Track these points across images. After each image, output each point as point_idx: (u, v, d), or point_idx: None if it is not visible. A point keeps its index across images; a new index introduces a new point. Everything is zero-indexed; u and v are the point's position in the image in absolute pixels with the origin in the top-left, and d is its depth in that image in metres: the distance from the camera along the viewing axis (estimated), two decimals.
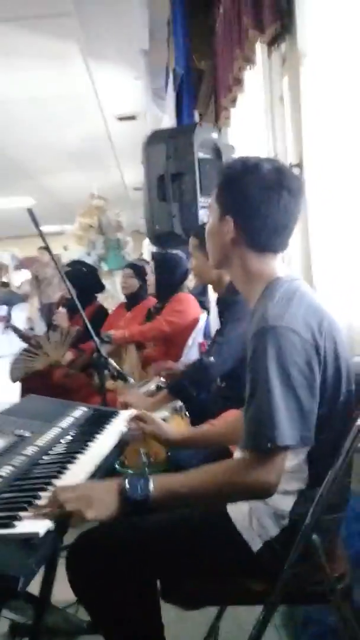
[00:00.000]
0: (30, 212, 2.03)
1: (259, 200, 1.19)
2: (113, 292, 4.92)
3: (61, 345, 3.14)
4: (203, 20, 3.79)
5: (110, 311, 3.64)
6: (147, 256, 5.99)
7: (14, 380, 3.21)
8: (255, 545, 1.19)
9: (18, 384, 3.34)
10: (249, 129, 3.03)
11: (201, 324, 2.81)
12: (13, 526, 1.00)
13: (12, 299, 11.32)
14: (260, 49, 2.48)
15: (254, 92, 2.83)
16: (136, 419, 1.58)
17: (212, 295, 2.78)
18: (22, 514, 1.04)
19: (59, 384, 3.06)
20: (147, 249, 6.24)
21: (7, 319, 10.82)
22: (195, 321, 2.81)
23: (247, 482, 1.08)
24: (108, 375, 2.23)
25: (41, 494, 1.13)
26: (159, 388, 2.28)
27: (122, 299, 3.64)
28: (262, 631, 1.16)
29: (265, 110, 2.44)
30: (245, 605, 1.29)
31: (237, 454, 1.39)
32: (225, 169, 1.31)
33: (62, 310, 3.54)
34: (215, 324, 2.75)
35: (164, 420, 1.97)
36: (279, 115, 2.37)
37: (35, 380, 3.12)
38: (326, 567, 1.15)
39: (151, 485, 1.10)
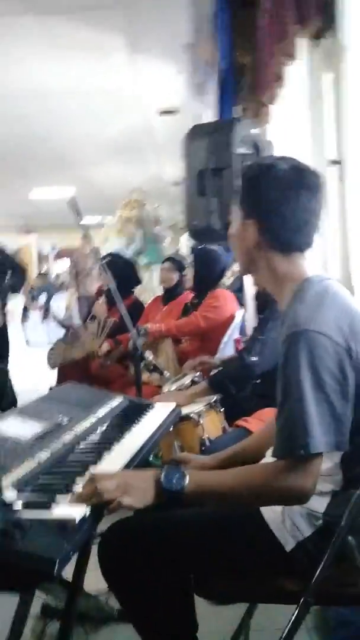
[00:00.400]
0: (72, 201, 2.05)
1: (278, 200, 1.20)
2: (150, 286, 4.95)
3: (98, 336, 3.18)
4: (247, 15, 3.75)
5: (146, 305, 3.67)
6: (184, 251, 6.01)
7: (52, 367, 3.28)
8: (289, 544, 1.19)
9: (55, 371, 3.41)
10: (289, 125, 3.01)
11: (237, 321, 2.80)
12: (49, 509, 1.03)
13: (51, 288, 11.51)
14: (303, 44, 2.45)
15: (295, 89, 2.81)
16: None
17: (249, 292, 2.76)
18: (58, 497, 1.07)
19: (95, 374, 3.11)
20: (185, 244, 6.24)
21: (45, 308, 11.03)
22: (232, 317, 2.81)
23: (282, 487, 1.08)
24: (144, 368, 2.25)
25: (78, 479, 1.16)
26: (193, 382, 2.30)
27: (158, 293, 3.66)
28: (294, 631, 1.17)
29: (307, 106, 2.42)
30: (277, 604, 1.29)
31: (268, 459, 1.39)
32: (244, 173, 1.30)
33: (101, 300, 3.58)
34: (251, 320, 2.73)
35: (198, 415, 2.00)
36: (320, 112, 2.35)
37: (72, 369, 3.18)
38: None
39: (187, 479, 1.12)
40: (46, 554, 0.92)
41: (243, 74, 4.08)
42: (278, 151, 2.46)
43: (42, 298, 11.35)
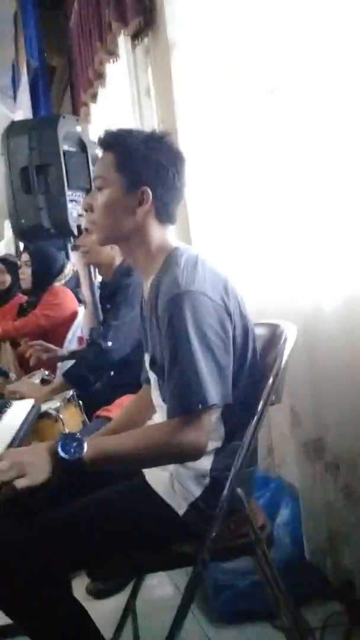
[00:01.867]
0: None
1: (174, 170, 1.21)
2: None
3: None
4: (54, 16, 3.75)
5: None
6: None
7: None
8: (181, 508, 1.19)
9: None
10: (111, 124, 3.06)
11: (80, 318, 2.75)
12: None
13: None
14: (123, 43, 2.52)
15: (115, 87, 2.88)
16: None
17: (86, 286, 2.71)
18: None
19: None
20: (4, 251, 5.94)
21: None
22: (74, 314, 2.74)
23: (180, 444, 1.08)
24: None
25: None
26: (43, 381, 2.20)
27: None
28: (194, 591, 1.18)
29: (132, 102, 2.49)
30: (178, 569, 1.29)
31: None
32: (121, 138, 1.24)
33: None
34: (93, 311, 2.68)
35: (57, 411, 1.91)
36: (146, 107, 2.44)
37: None
38: (251, 518, 1.20)
39: (85, 446, 1.07)
40: None
41: (53, 76, 4.05)
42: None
43: None
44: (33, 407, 1.65)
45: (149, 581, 1.66)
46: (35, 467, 1.04)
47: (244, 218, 1.91)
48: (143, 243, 1.25)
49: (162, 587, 1.86)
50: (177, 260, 1.18)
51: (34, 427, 1.79)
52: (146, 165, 1.20)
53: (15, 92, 4.72)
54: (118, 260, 2.09)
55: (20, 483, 1.01)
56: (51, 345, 2.36)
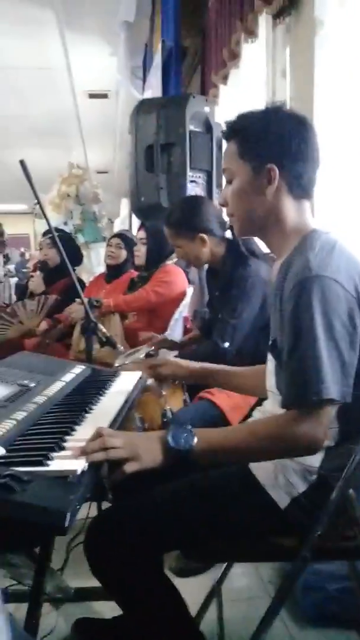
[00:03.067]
0: (22, 163, 1.89)
1: (298, 139, 1.15)
2: (88, 265, 4.77)
3: (36, 314, 3.02)
4: None
5: (87, 284, 3.53)
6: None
7: None
8: (283, 502, 1.16)
9: None
10: (240, 105, 3.01)
11: (188, 298, 2.75)
12: (47, 465, 0.95)
13: None
14: (262, 22, 2.46)
15: (248, 68, 2.82)
16: (152, 367, 1.52)
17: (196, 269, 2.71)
18: (51, 455, 0.98)
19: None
20: (119, 228, 6.11)
21: None
22: (182, 294, 2.74)
23: (295, 437, 1.04)
24: (96, 341, 2.15)
25: (66, 437, 1.08)
26: (148, 356, 2.23)
27: (97, 272, 3.53)
28: (289, 588, 1.14)
29: (266, 83, 2.42)
30: (274, 562, 1.26)
31: (257, 413, 1.36)
32: (238, 124, 1.20)
33: (37, 274, 3.39)
34: (199, 294, 2.67)
35: (162, 390, 1.92)
36: (280, 89, 2.36)
37: (6, 349, 2.98)
38: None
39: (195, 438, 1.07)
40: (54, 505, 0.83)
41: (185, 56, 4.05)
42: None
43: None
44: (140, 378, 1.68)
45: (233, 569, 1.64)
46: (146, 453, 1.05)
47: None
48: (277, 223, 1.20)
49: (246, 577, 1.83)
50: (312, 243, 1.13)
51: (137, 400, 1.82)
52: (266, 142, 1.16)
53: (144, 73, 4.78)
54: (222, 250, 2.06)
55: (131, 467, 1.03)
56: (161, 337, 2.38)
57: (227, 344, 1.92)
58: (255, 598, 1.70)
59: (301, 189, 1.19)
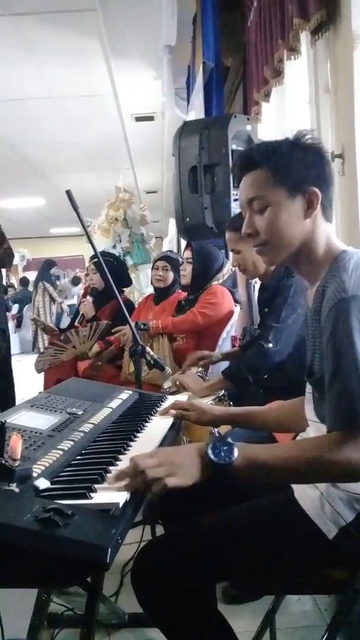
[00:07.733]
0: (68, 193, 1.96)
1: (324, 163, 1.18)
2: (137, 286, 4.85)
3: (89, 339, 3.08)
4: (230, 16, 3.77)
5: (136, 305, 3.58)
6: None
7: (39, 371, 3.16)
8: (331, 532, 1.12)
9: (41, 377, 3.30)
10: (283, 122, 3.00)
11: (235, 318, 2.74)
12: (90, 497, 0.96)
13: (24, 298, 11.38)
14: (303, 38, 2.44)
15: (290, 85, 2.81)
16: (178, 408, 1.51)
17: (243, 287, 2.71)
18: (96, 486, 1.00)
19: (85, 376, 3.00)
20: (167, 247, 6.17)
21: (17, 318, 10.89)
22: (230, 314, 2.74)
23: (341, 460, 1.00)
24: (144, 363, 2.17)
25: (111, 468, 1.09)
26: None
27: (146, 293, 3.57)
28: (340, 621, 1.11)
29: (309, 99, 2.40)
30: (324, 595, 1.23)
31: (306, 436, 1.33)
32: (266, 152, 1.18)
33: (88, 299, 3.48)
34: (248, 312, 2.67)
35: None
36: (323, 105, 2.34)
37: (60, 372, 3.07)
38: None
39: (235, 452, 1.04)
40: (96, 541, 0.84)
41: (225, 76, 4.08)
42: None
43: (15, 308, 11.24)
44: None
45: (288, 596, 1.60)
46: (184, 468, 1.03)
47: None
48: (313, 247, 1.19)
49: (302, 604, 1.79)
50: (344, 264, 1.12)
51: (185, 423, 1.83)
52: (305, 166, 1.16)
53: (188, 94, 4.85)
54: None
55: (171, 482, 1.01)
56: (205, 352, 2.39)
57: (271, 345, 1.91)
58: (311, 627, 1.65)
59: (330, 211, 1.21)
